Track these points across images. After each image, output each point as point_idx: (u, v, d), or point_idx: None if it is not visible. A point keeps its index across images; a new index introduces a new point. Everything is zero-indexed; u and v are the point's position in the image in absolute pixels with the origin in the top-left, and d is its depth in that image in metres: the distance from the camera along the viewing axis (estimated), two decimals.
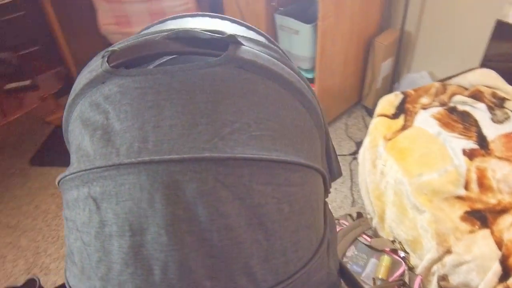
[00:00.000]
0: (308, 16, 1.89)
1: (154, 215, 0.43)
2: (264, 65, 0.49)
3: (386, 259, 1.39)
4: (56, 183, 0.51)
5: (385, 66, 2.15)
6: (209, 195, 0.43)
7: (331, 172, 0.78)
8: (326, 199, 0.69)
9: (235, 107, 0.47)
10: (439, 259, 1.33)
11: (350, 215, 1.60)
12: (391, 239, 1.51)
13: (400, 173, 1.46)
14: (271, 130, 0.48)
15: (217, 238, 0.43)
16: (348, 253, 1.42)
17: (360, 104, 2.39)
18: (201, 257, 0.43)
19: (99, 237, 0.45)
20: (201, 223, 0.43)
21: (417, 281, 1.37)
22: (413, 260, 1.46)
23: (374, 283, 1.34)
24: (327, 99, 2.11)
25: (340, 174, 0.79)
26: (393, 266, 1.38)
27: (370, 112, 2.27)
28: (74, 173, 0.47)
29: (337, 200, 1.85)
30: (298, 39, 1.92)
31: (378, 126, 1.64)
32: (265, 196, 0.46)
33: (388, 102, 1.72)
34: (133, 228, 0.43)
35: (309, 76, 2.03)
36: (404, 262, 1.40)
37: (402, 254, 1.43)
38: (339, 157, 2.07)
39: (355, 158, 2.05)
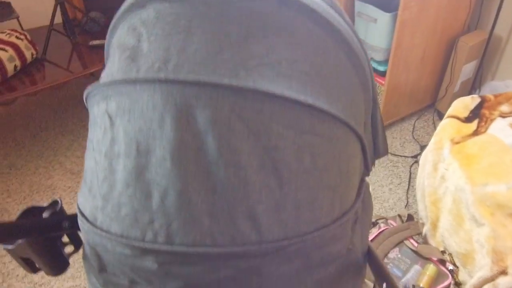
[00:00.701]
0: (390, 7, 1.77)
1: (162, 138, 0.40)
2: (309, 6, 0.44)
3: (431, 268, 1.28)
4: (84, 100, 0.50)
5: (466, 69, 1.97)
6: (222, 126, 0.39)
7: (376, 147, 0.71)
8: (369, 182, 0.62)
9: (268, 43, 0.43)
10: (491, 279, 1.19)
11: (400, 216, 1.48)
12: (441, 249, 1.38)
13: (463, 180, 1.32)
14: (304, 73, 0.43)
15: (223, 173, 0.40)
16: (391, 255, 1.32)
17: (433, 107, 2.22)
18: (204, 191, 0.40)
19: (108, 155, 0.43)
20: (208, 154, 0.39)
21: None
22: (462, 276, 1.32)
23: None
24: (397, 95, 1.98)
25: (386, 152, 0.72)
26: (438, 277, 1.26)
27: (442, 117, 2.10)
28: (96, 88, 0.46)
29: (390, 200, 1.74)
30: (375, 28, 1.81)
31: (446, 127, 1.50)
32: (284, 140, 0.41)
33: (462, 104, 1.57)
34: (140, 148, 0.41)
35: (381, 68, 1.91)
36: (451, 275, 1.27)
37: (450, 266, 1.31)
38: (399, 158, 1.95)
39: (416, 162, 1.91)
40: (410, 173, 1.86)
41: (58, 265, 0.69)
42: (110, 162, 0.43)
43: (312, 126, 0.42)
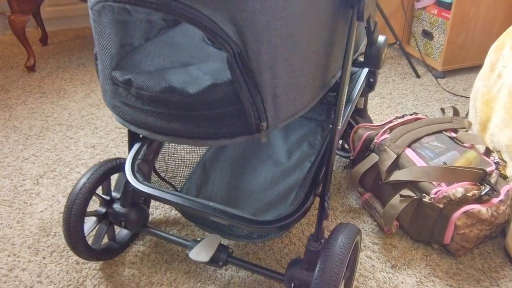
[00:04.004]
0: None
1: None
2: None
3: (471, 153, 1.05)
4: None
5: None
6: None
7: None
8: None
9: None
10: None
11: (443, 109, 1.27)
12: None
13: None
14: None
15: None
16: (424, 140, 1.11)
17: None
18: None
19: None
20: None
21: (506, 188, 0.99)
22: (510, 171, 1.07)
23: None
24: (464, 33, 1.75)
25: None
26: (479, 164, 1.03)
27: None
28: None
29: None
30: None
31: (510, 32, 1.28)
32: None
33: None
34: None
35: (448, 0, 1.73)
36: (496, 167, 1.03)
37: (496, 159, 1.06)
38: (460, 98, 1.70)
39: None
40: (468, 110, 1.61)
41: None
42: None
43: None
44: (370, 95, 1.73)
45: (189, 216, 0.96)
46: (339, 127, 0.72)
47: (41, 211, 1.18)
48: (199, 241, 0.89)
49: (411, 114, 1.22)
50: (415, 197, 0.98)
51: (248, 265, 0.86)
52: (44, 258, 1.04)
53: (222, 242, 0.88)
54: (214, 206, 0.78)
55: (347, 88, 0.71)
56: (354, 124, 1.25)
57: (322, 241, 0.77)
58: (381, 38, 0.82)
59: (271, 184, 1.02)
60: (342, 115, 0.72)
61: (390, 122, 1.19)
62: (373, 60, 0.81)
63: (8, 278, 0.99)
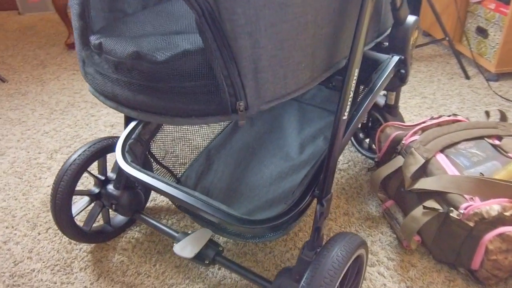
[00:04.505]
0: None
1: None
2: None
3: None
4: None
5: None
6: None
7: None
8: None
9: None
10: None
11: (487, 113, 1.08)
12: None
13: None
14: None
15: None
16: (461, 146, 0.94)
17: None
18: None
19: None
20: None
21: None
22: None
23: None
24: None
25: None
26: None
27: None
28: None
29: None
30: None
31: None
32: None
33: None
34: None
35: None
36: None
37: None
38: None
39: None
40: None
41: None
42: None
43: None
44: (410, 93, 1.55)
45: (182, 206, 0.87)
46: (344, 117, 0.59)
47: (48, 186, 1.15)
48: (188, 234, 0.80)
49: (449, 115, 1.05)
50: (440, 211, 0.83)
51: (236, 267, 0.75)
52: (39, 233, 0.99)
53: (216, 239, 0.78)
54: (199, 197, 0.68)
55: (357, 70, 0.58)
56: (382, 122, 1.10)
57: (318, 250, 0.65)
58: (410, 18, 0.68)
59: (277, 179, 0.90)
60: (349, 103, 0.59)
61: (424, 122, 1.03)
62: (398, 43, 0.67)
63: (1, 250, 0.95)
